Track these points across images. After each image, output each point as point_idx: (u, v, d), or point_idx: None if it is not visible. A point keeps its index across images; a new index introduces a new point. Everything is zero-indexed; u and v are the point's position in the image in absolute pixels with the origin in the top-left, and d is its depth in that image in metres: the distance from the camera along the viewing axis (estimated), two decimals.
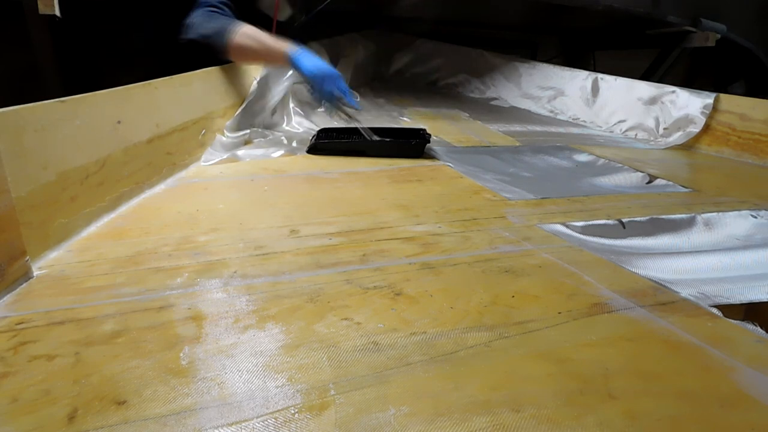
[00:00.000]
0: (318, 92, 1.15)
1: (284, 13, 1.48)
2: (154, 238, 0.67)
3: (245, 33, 1.17)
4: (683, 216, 0.80)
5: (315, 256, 0.62)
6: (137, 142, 0.82)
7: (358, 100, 1.90)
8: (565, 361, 0.43)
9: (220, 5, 1.26)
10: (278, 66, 1.26)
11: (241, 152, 1.12)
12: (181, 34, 1.20)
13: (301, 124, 1.45)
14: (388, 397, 0.38)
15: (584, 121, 1.74)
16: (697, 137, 1.41)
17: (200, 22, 1.19)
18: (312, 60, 1.15)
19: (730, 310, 0.53)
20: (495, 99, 2.12)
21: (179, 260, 0.60)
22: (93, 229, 0.69)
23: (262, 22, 1.29)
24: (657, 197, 0.91)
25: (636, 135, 1.56)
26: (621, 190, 0.98)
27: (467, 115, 1.76)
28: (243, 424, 0.35)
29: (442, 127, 1.53)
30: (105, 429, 0.34)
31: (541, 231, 0.72)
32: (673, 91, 1.51)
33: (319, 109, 1.64)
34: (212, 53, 1.18)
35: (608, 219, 0.77)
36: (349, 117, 1.20)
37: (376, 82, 2.22)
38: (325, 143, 1.16)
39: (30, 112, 0.59)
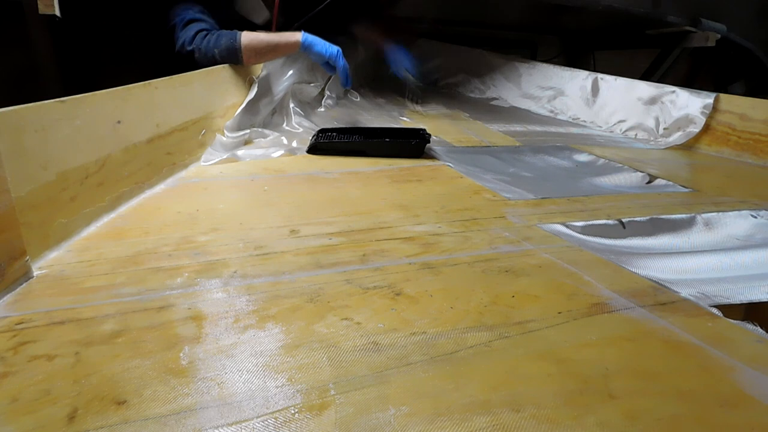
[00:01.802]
0: (341, 68, 1.35)
1: (262, 15, 1.51)
2: (154, 238, 0.67)
3: (252, 36, 1.29)
4: (683, 216, 0.80)
5: (315, 256, 0.62)
6: (137, 142, 0.82)
7: (358, 99, 1.90)
8: (565, 361, 0.43)
9: (202, 18, 1.32)
10: (290, 53, 1.38)
11: (241, 152, 1.12)
12: (190, 60, 1.27)
13: (301, 124, 1.45)
14: (388, 397, 0.38)
15: (584, 121, 1.74)
16: (697, 137, 1.41)
17: (207, 47, 1.27)
18: (320, 41, 1.33)
19: (730, 310, 0.53)
20: (495, 99, 2.12)
21: (179, 260, 0.60)
22: (93, 229, 0.69)
23: (240, 25, 1.34)
24: (657, 197, 0.91)
25: (636, 135, 1.56)
26: (621, 190, 0.98)
27: (467, 115, 1.76)
28: (243, 424, 0.35)
29: (442, 127, 1.53)
30: (105, 429, 0.34)
31: (541, 231, 0.72)
32: (673, 91, 1.50)
33: (326, 101, 1.67)
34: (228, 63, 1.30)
35: (608, 219, 0.77)
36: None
37: (376, 82, 2.22)
38: (325, 143, 1.16)
39: (30, 112, 0.59)
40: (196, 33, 1.28)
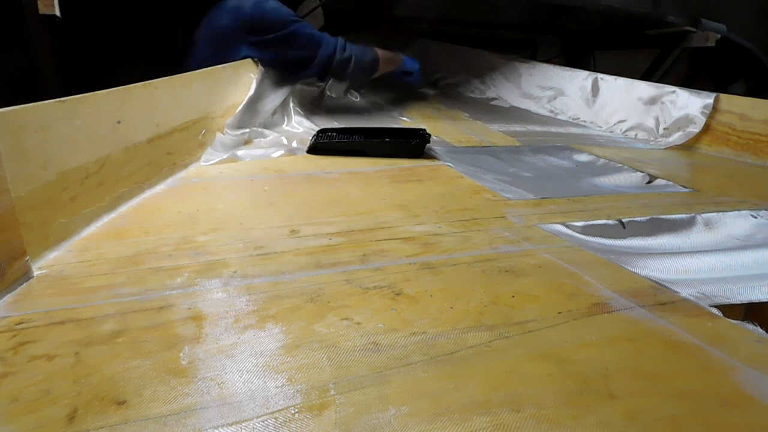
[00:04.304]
0: (416, 78, 1.72)
1: (319, 23, 1.66)
2: (154, 238, 0.67)
3: (380, 51, 1.56)
4: (683, 216, 0.80)
5: (315, 256, 0.62)
6: (137, 142, 0.82)
7: (358, 99, 1.90)
8: (565, 361, 0.43)
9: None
10: (392, 69, 1.67)
11: (241, 152, 1.12)
12: (345, 67, 1.49)
13: (301, 124, 1.45)
14: (388, 397, 0.38)
15: (584, 121, 1.74)
16: (697, 137, 1.40)
17: (359, 54, 1.50)
18: (407, 58, 1.71)
19: (730, 310, 0.53)
20: (495, 99, 2.11)
21: (179, 260, 0.60)
22: (93, 229, 0.69)
23: None
24: (657, 197, 0.91)
25: (636, 135, 1.56)
26: (621, 190, 0.98)
27: (467, 115, 1.76)
28: (243, 424, 0.35)
29: (442, 127, 1.53)
30: (105, 429, 0.34)
31: (541, 231, 0.72)
32: (673, 91, 1.50)
33: (326, 102, 1.76)
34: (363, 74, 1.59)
35: (608, 219, 0.77)
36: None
37: (377, 81, 2.22)
38: (325, 143, 1.16)
39: (30, 112, 0.59)
40: (341, 41, 1.46)
